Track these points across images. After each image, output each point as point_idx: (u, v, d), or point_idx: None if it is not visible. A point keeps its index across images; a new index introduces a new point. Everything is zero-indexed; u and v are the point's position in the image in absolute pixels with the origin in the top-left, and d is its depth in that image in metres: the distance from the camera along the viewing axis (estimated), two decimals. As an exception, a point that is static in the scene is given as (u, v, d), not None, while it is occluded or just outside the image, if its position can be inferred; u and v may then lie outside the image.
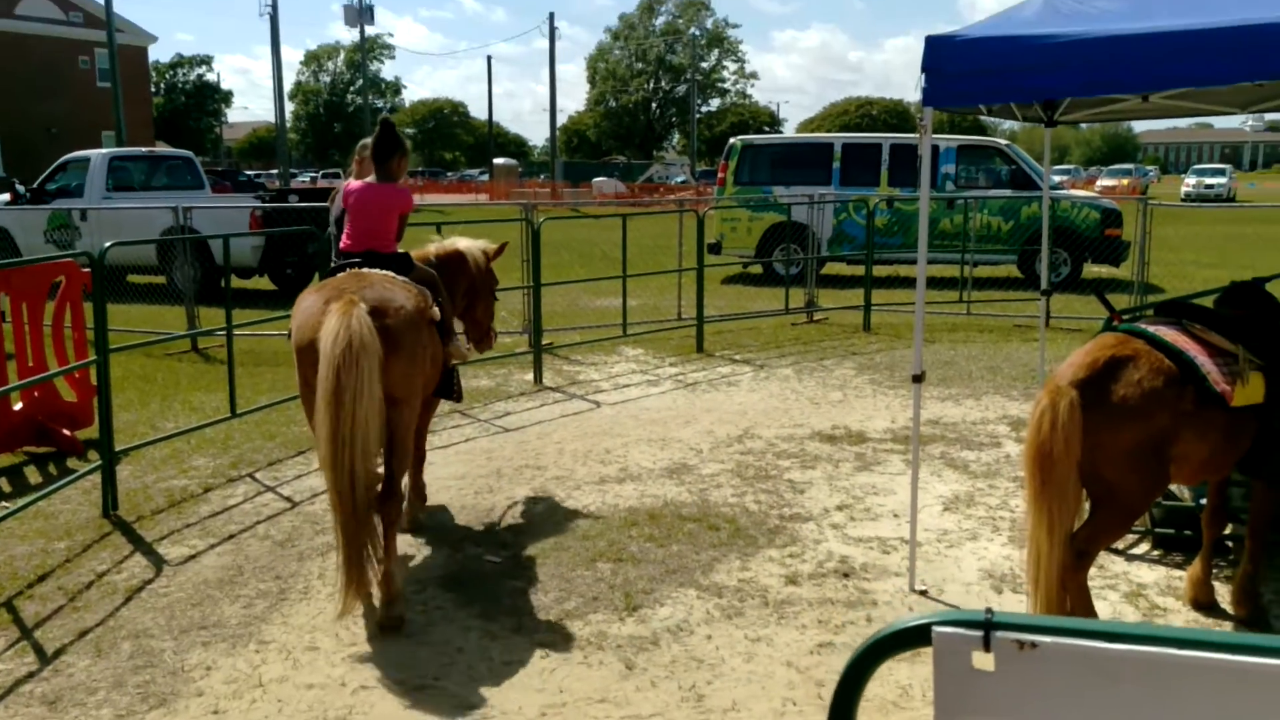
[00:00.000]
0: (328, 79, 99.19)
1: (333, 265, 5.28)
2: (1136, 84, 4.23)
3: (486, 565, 5.12)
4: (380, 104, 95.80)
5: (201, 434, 7.32)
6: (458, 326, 5.93)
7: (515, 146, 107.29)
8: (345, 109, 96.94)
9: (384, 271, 4.97)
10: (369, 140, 5.54)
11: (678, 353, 10.80)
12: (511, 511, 5.92)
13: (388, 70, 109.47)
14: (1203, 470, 4.09)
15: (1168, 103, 6.90)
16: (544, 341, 10.02)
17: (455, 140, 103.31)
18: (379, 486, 4.45)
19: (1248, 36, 3.80)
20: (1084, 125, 10.66)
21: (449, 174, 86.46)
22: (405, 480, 5.17)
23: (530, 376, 9.40)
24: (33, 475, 6.69)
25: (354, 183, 5.42)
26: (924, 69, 4.28)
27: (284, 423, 7.85)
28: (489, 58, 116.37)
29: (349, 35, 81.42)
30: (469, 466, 6.76)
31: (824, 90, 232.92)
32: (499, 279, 6.37)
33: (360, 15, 59.03)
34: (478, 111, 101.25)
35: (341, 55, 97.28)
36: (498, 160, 69.70)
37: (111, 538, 5.53)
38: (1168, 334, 3.91)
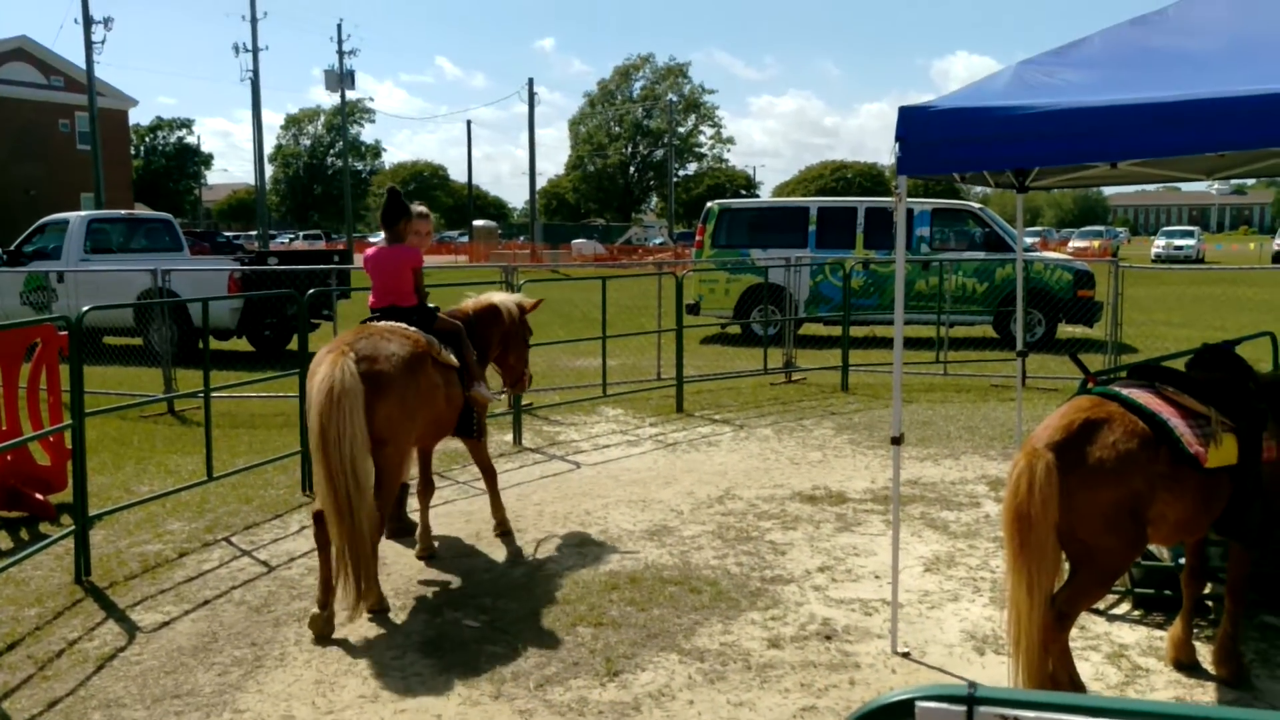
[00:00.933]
0: (308, 142, 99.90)
1: (364, 320, 5.94)
2: (1103, 154, 4.34)
3: (466, 630, 5.07)
4: (360, 167, 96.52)
5: (177, 497, 7.24)
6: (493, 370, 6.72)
7: (495, 208, 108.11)
8: (325, 171, 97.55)
9: (390, 323, 5.61)
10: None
11: (657, 413, 10.81)
12: (490, 575, 5.87)
13: (368, 133, 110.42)
14: (1179, 531, 4.13)
15: (1136, 169, 7.07)
16: (524, 402, 10.02)
17: (436, 202, 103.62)
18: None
19: (1211, 109, 3.91)
20: (1055, 190, 10.96)
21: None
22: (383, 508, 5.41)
23: (510, 437, 9.38)
24: (3, 540, 6.59)
25: (370, 249, 6.13)
26: (898, 138, 4.38)
27: (261, 486, 7.78)
28: (469, 122, 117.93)
29: (329, 99, 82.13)
30: (447, 529, 6.71)
31: (800, 154, 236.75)
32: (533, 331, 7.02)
33: (341, 80, 59.67)
34: (458, 174, 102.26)
35: (322, 119, 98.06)
36: (478, 222, 70.22)
37: (84, 604, 5.44)
38: (1141, 396, 3.97)
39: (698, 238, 18.17)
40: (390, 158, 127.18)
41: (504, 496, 7.47)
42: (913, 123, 4.38)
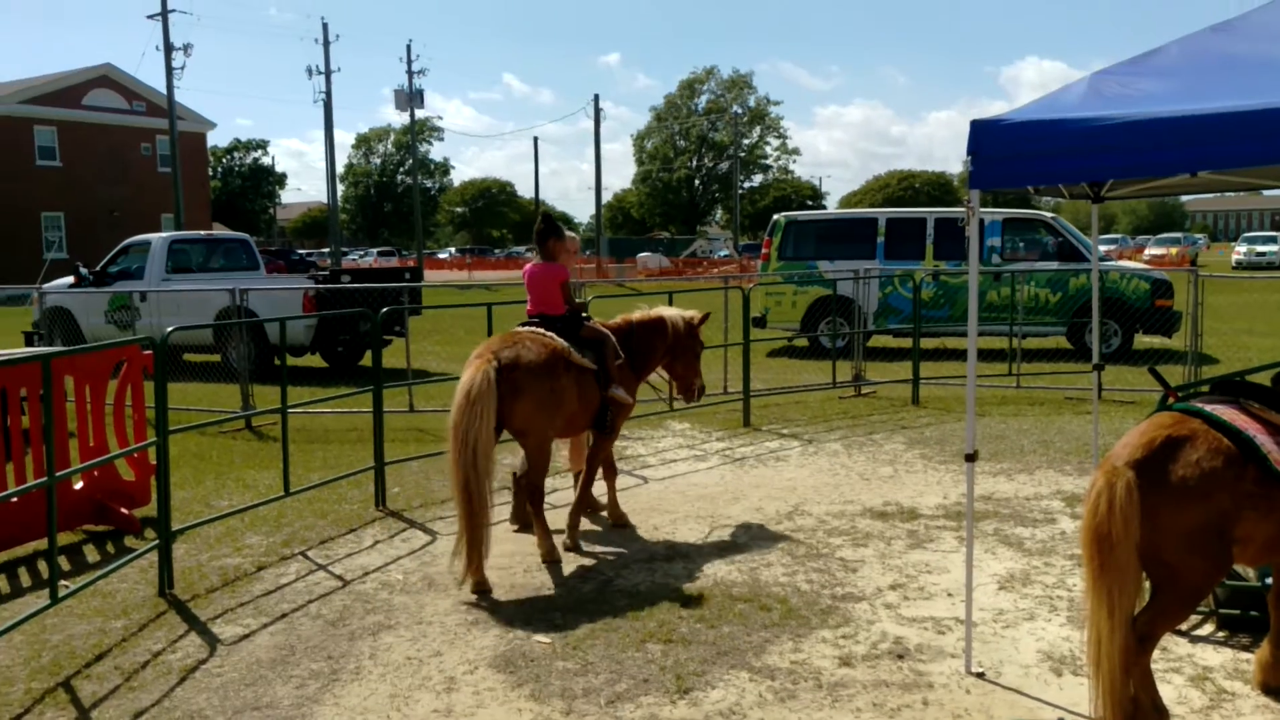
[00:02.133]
0: (378, 160, 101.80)
1: (520, 325, 6.88)
2: (1181, 165, 4.24)
3: (537, 646, 5.10)
4: (429, 184, 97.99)
5: (255, 512, 7.41)
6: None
7: (562, 223, 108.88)
8: (395, 189, 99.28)
9: (533, 330, 6.60)
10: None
11: (724, 427, 10.79)
12: (561, 590, 5.91)
13: (436, 151, 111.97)
14: (1267, 551, 4.00)
15: (1216, 178, 6.88)
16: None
17: (503, 218, 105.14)
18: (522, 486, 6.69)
19: (1266, 119, 3.81)
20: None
21: (497, 251, 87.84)
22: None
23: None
24: (91, 554, 6.81)
25: (528, 265, 7.05)
26: (970, 152, 4.33)
27: (335, 501, 7.93)
28: (535, 138, 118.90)
29: (399, 118, 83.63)
30: (516, 545, 6.77)
31: (867, 164, 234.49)
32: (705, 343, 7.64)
33: (410, 100, 60.70)
34: (525, 190, 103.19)
35: (391, 137, 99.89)
36: (545, 237, 70.56)
37: (167, 616, 5.59)
38: (1225, 412, 3.86)
39: (764, 250, 18.12)
40: (459, 175, 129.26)
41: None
42: (985, 136, 4.33)
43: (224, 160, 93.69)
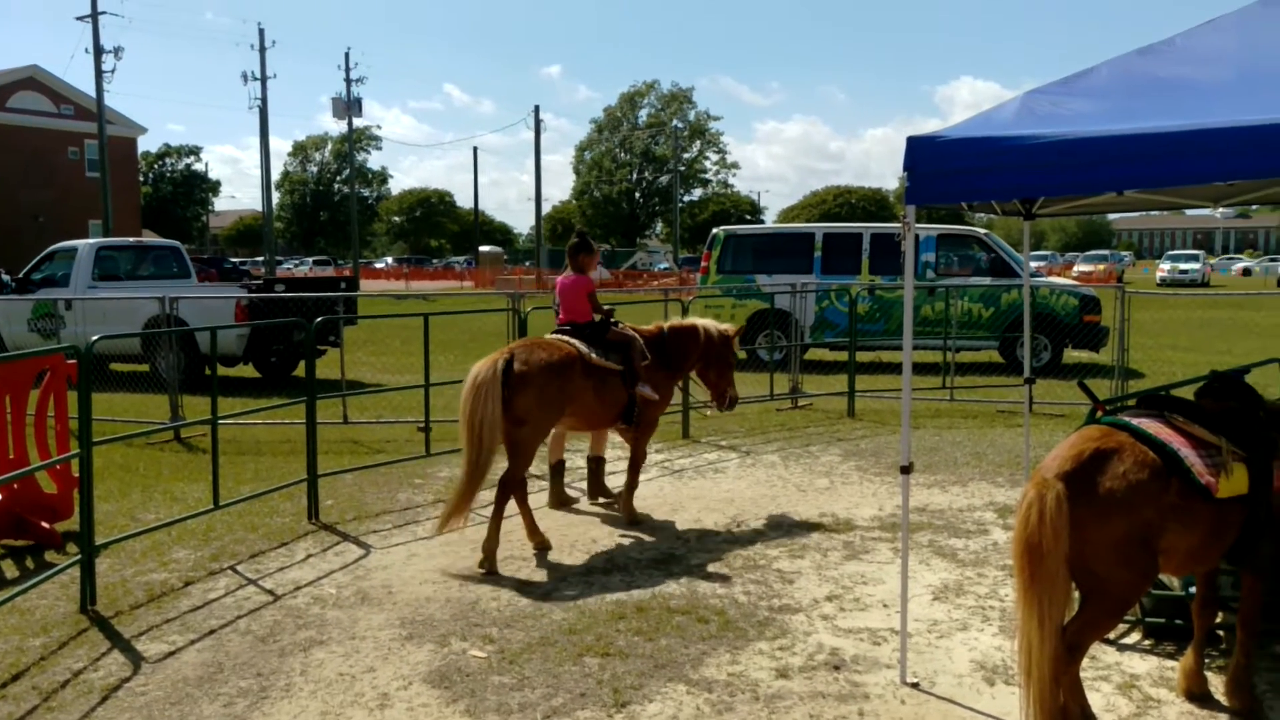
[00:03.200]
0: (315, 169, 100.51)
1: (551, 333, 7.54)
2: (1112, 183, 4.34)
3: (473, 661, 5.04)
4: (366, 193, 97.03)
5: (183, 525, 7.24)
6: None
7: (500, 234, 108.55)
8: (332, 198, 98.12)
9: (552, 336, 7.37)
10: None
11: (663, 439, 10.79)
12: (496, 604, 5.85)
13: (375, 160, 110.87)
14: (1191, 561, 4.10)
15: (1142, 197, 7.07)
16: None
17: (441, 228, 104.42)
18: (501, 473, 6.83)
19: (1219, 139, 3.91)
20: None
21: (435, 261, 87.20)
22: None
23: (516, 465, 9.36)
24: (10, 569, 6.58)
25: (559, 278, 7.71)
26: (906, 168, 4.39)
27: (267, 514, 7.77)
28: (475, 149, 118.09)
29: (337, 126, 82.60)
30: (453, 558, 6.69)
31: (805, 179, 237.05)
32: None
33: (349, 108, 60.09)
34: (464, 200, 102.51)
35: (329, 145, 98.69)
36: (483, 248, 70.44)
37: (89, 634, 5.42)
38: (1151, 426, 3.95)
39: (703, 263, 18.22)
40: (397, 184, 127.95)
41: (510, 524, 7.48)
42: (921, 153, 4.39)
43: (155, 166, 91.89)
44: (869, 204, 78.83)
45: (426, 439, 9.43)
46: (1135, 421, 3.99)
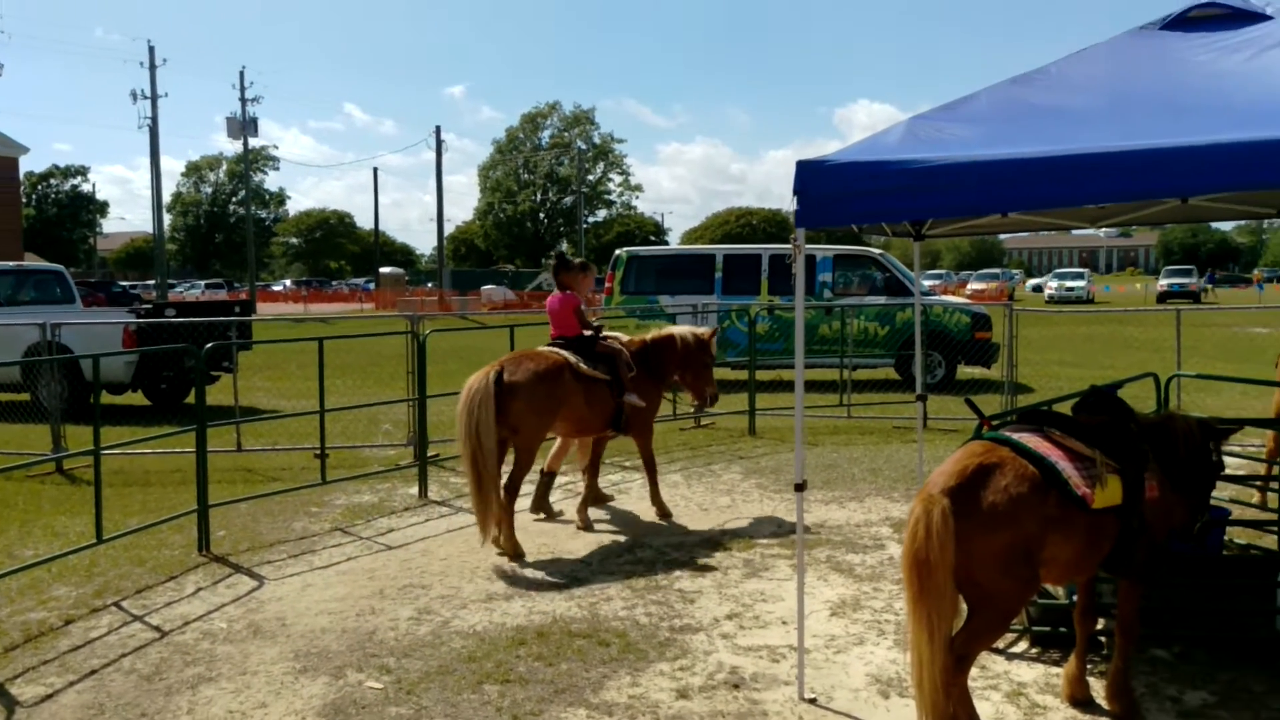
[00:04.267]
0: (209, 190, 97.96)
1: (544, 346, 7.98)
2: (992, 206, 4.50)
3: (369, 693, 4.94)
4: (263, 215, 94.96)
5: (64, 561, 6.94)
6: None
7: (403, 255, 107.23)
8: (227, 219, 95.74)
9: (541, 348, 7.83)
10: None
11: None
12: (394, 633, 5.74)
13: (272, 181, 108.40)
14: (1070, 571, 4.25)
15: (1025, 218, 7.34)
16: (430, 454, 9.88)
17: (341, 250, 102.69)
18: (505, 478, 7.31)
19: (1089, 163, 4.09)
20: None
21: (334, 283, 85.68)
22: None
23: (415, 490, 9.23)
24: (-127, 613, 6.22)
25: (549, 298, 8.20)
26: (795, 192, 4.47)
27: (155, 546, 7.51)
28: (375, 169, 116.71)
29: (232, 146, 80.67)
30: (350, 587, 6.55)
31: (708, 200, 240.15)
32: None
33: (244, 127, 58.78)
34: (365, 221, 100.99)
35: (224, 166, 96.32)
36: (384, 269, 69.42)
37: (-41, 679, 5.15)
38: (1031, 440, 4.09)
39: (607, 284, 18.27)
40: (296, 205, 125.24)
41: (410, 551, 7.38)
42: (810, 176, 4.49)
43: (39, 187, 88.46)
44: (770, 225, 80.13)
45: (323, 465, 9.23)
46: (1016, 436, 4.12)
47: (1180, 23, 5.18)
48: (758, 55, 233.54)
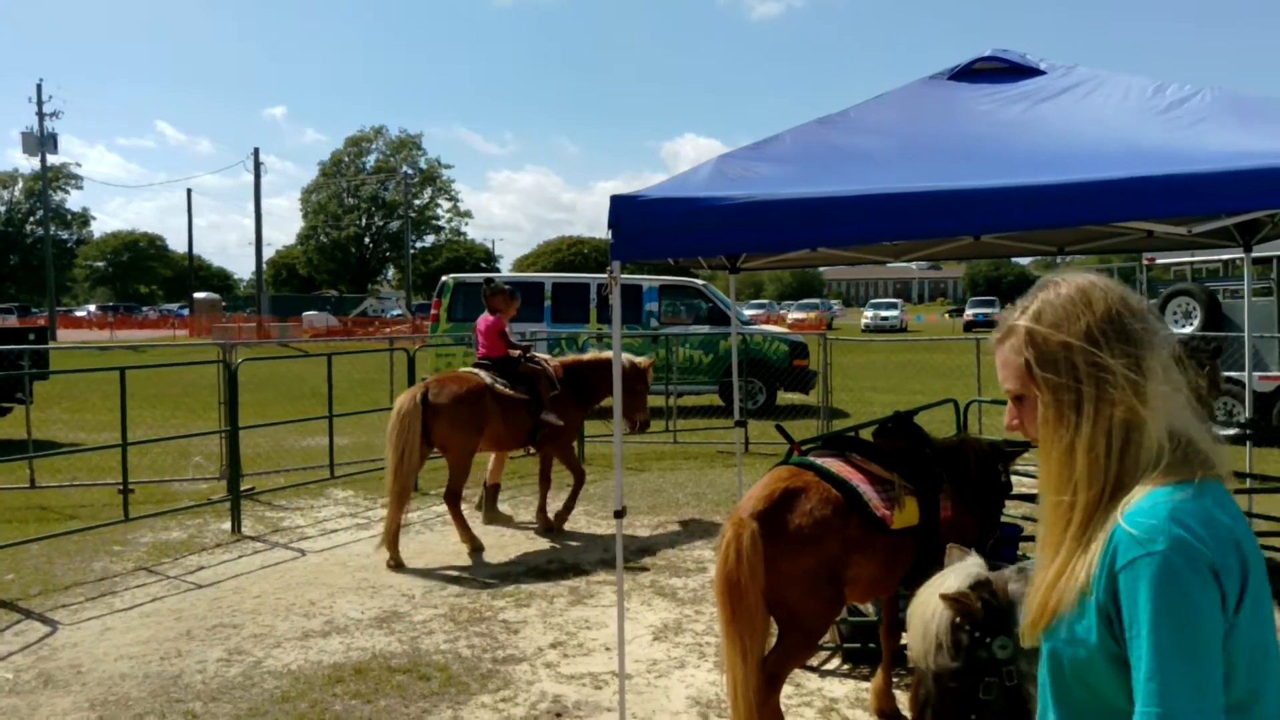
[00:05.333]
0: (3, 209, 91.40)
1: (469, 366, 8.70)
2: (797, 242, 4.72)
3: (172, 740, 4.71)
4: (64, 236, 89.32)
5: None
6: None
7: (219, 280, 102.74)
8: (23, 240, 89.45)
9: (464, 370, 8.61)
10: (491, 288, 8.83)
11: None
12: (202, 676, 5.49)
13: (75, 200, 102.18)
14: (873, 589, 4.47)
15: (833, 253, 7.71)
16: (244, 487, 9.50)
17: (152, 274, 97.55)
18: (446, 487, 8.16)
19: (884, 203, 4.34)
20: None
21: (144, 309, 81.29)
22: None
23: (228, 526, 8.86)
24: None
25: (479, 320, 8.72)
26: (610, 225, 4.57)
27: (-68, 594, 6.94)
28: (189, 190, 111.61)
29: (29, 163, 75.54)
30: (154, 630, 6.23)
31: (539, 229, 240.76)
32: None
33: (41, 143, 55.26)
34: (179, 244, 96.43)
35: (20, 184, 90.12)
36: (199, 294, 66.38)
37: None
38: (834, 465, 4.30)
39: (434, 311, 18.05)
40: (102, 226, 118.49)
41: (220, 589, 7.10)
42: (623, 211, 4.59)
43: None
44: (601, 254, 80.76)
45: (125, 501, 8.74)
46: (820, 461, 4.33)
47: (966, 74, 5.58)
48: (588, 87, 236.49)
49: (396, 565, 7.60)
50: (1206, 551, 1.41)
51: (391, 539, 7.69)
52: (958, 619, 2.10)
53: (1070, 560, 1.52)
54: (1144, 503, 1.47)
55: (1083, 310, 1.55)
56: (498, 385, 8.20)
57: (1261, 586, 1.48)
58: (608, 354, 8.86)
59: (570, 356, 9.24)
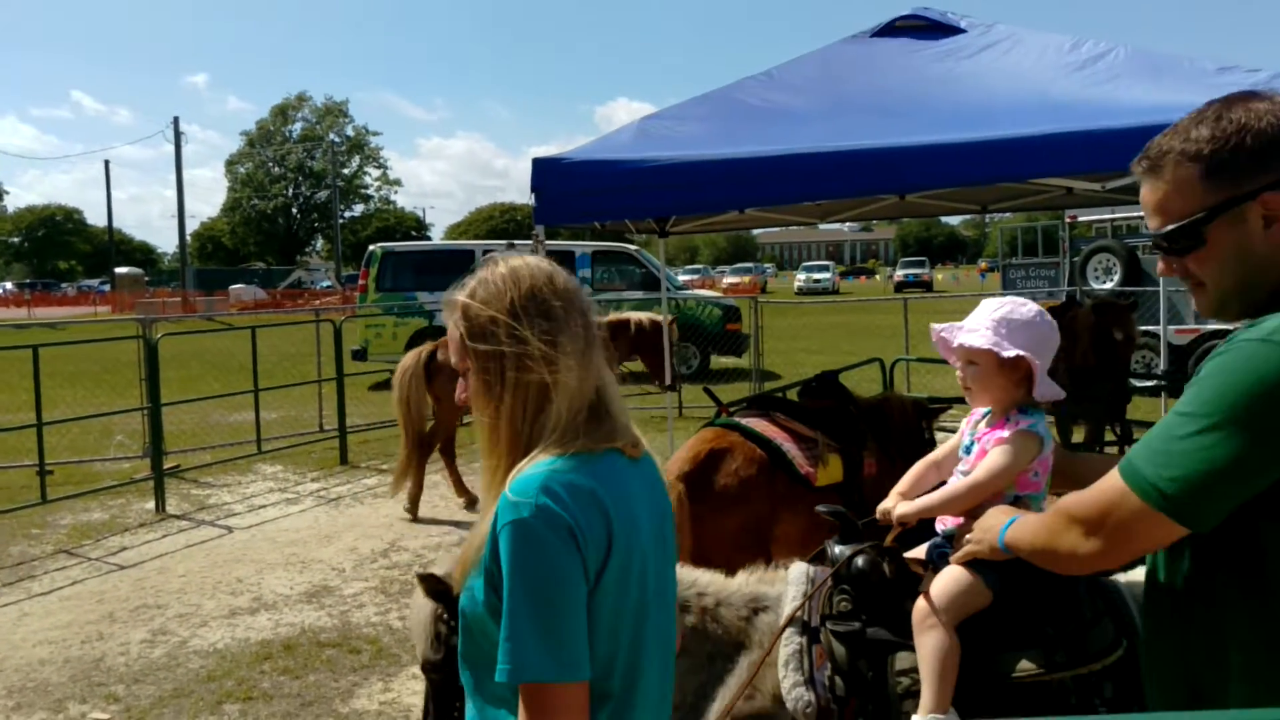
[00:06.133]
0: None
1: None
2: (722, 203, 4.69)
3: (93, 724, 4.60)
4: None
5: None
6: None
7: (142, 254, 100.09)
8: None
9: None
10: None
11: (320, 467, 10.39)
12: (125, 659, 5.36)
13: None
14: (800, 547, 4.49)
15: (762, 215, 7.71)
16: (167, 465, 9.29)
17: (71, 249, 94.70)
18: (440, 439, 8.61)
19: (809, 163, 4.34)
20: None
21: (64, 285, 78.95)
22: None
23: (151, 505, 8.65)
24: None
25: None
26: (534, 189, 4.51)
27: None
28: (107, 162, 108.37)
29: (-65, 134, 72.49)
30: (75, 613, 6.07)
31: (472, 195, 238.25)
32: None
33: (-52, 113, 53.05)
34: (98, 218, 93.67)
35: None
36: (120, 269, 64.62)
37: None
38: (758, 424, 4.30)
39: (361, 281, 17.77)
40: (16, 200, 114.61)
41: (144, 569, 6.96)
42: (547, 174, 4.53)
43: None
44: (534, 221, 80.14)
45: (42, 482, 8.48)
46: (745, 421, 4.33)
47: (887, 31, 5.58)
48: (519, 51, 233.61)
49: (414, 519, 8.13)
50: (567, 517, 1.51)
51: (412, 499, 8.21)
52: (439, 610, 2.06)
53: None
54: (529, 471, 1.56)
55: (510, 288, 1.66)
56: None
57: (630, 556, 1.58)
58: (628, 314, 9.66)
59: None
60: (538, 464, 1.57)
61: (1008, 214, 16.45)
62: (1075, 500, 1.62)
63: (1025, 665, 2.24)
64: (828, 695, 2.38)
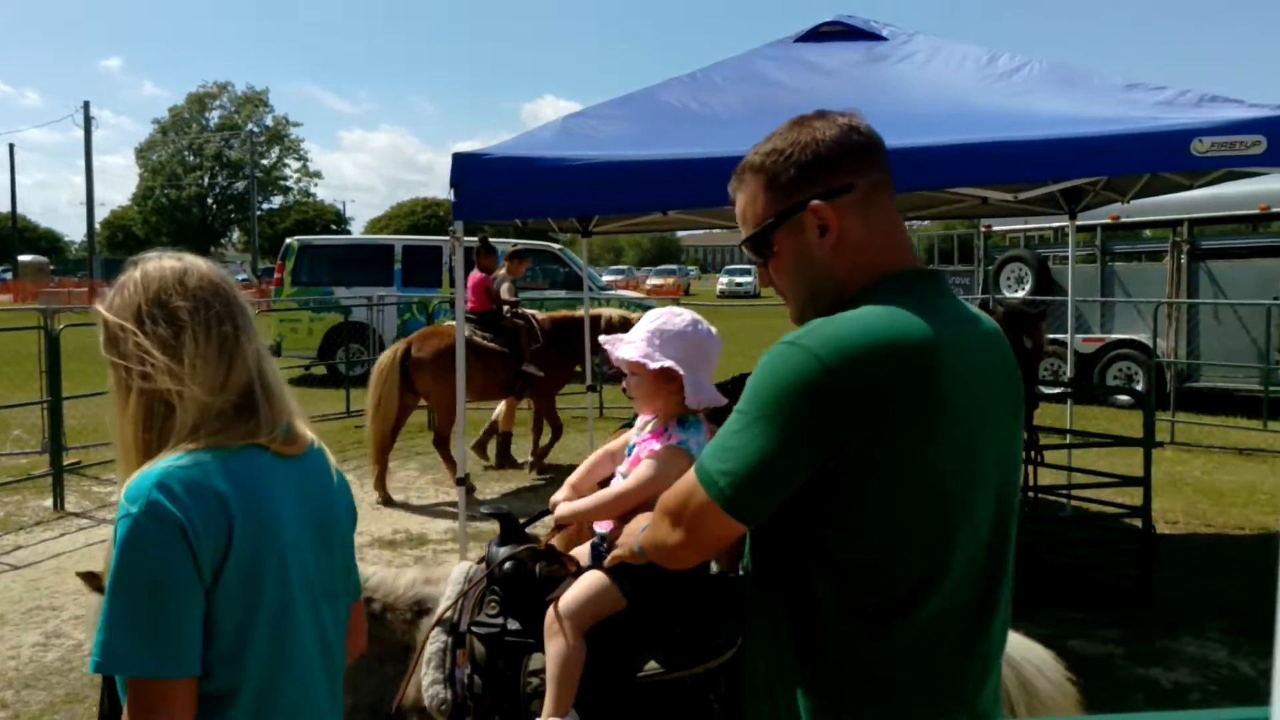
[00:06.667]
0: None
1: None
2: (648, 205, 4.67)
3: (-21, 732, 4.40)
4: None
5: None
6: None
7: (48, 242, 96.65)
8: None
9: (448, 324, 9.15)
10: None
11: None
12: (15, 663, 5.14)
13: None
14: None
15: (685, 217, 7.72)
16: (67, 461, 8.96)
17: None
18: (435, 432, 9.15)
19: (732, 166, 4.33)
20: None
21: (-37, 273, 75.82)
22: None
23: (49, 502, 8.33)
24: None
25: (471, 274, 9.25)
26: (453, 184, 4.43)
27: None
28: (11, 146, 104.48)
29: None
30: (-36, 615, 5.81)
31: (394, 190, 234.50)
32: None
33: None
34: (1, 204, 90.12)
35: None
36: (24, 257, 62.38)
37: None
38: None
39: (276, 274, 17.38)
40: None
41: (40, 570, 6.71)
42: (467, 169, 4.46)
43: None
44: (457, 217, 79.35)
45: (-67, 479, 8.12)
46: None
47: (811, 37, 5.62)
48: (447, 45, 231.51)
49: (385, 501, 8.44)
50: (177, 513, 1.51)
51: (378, 480, 8.54)
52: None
53: None
54: (149, 468, 1.57)
55: (139, 293, 1.67)
56: (476, 337, 8.79)
57: (257, 551, 1.58)
58: (601, 310, 9.95)
59: (562, 312, 10.17)
60: (160, 461, 1.57)
61: (926, 221, 16.81)
62: (668, 493, 1.69)
63: (651, 665, 2.37)
64: (465, 693, 2.46)
